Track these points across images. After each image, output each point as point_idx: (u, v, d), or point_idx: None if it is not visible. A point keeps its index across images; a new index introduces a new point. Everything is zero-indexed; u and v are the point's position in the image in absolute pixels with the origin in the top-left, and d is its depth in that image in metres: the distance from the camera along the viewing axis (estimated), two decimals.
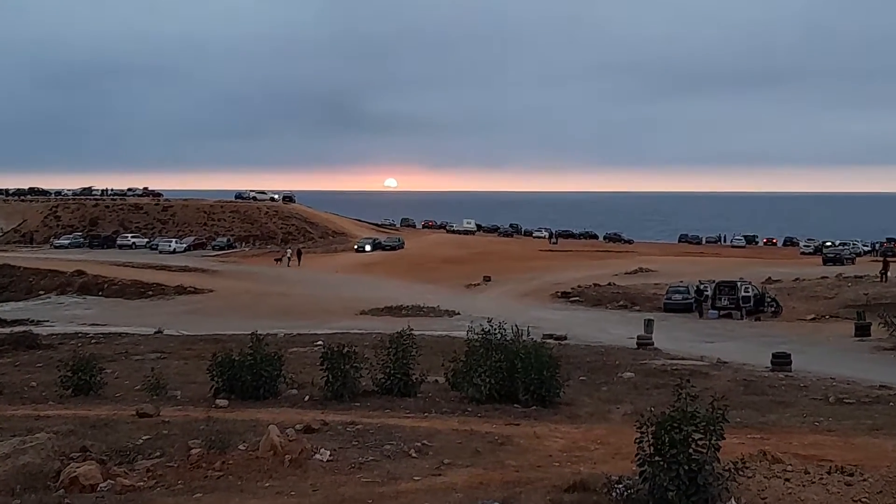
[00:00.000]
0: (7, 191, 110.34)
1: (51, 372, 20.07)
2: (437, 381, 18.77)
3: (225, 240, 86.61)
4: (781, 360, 24.73)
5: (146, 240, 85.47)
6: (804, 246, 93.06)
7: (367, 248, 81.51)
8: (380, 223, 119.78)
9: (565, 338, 31.30)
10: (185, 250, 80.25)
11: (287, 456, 11.11)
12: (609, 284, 52.24)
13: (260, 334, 18.01)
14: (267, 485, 10.37)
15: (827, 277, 50.75)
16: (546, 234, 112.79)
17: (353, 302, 46.46)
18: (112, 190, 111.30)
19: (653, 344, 29.93)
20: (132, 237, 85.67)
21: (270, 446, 11.26)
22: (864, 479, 10.01)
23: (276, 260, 72.04)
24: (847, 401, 18.70)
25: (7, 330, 33.52)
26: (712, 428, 8.76)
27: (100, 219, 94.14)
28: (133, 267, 62.86)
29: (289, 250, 73.24)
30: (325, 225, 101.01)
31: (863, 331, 33.33)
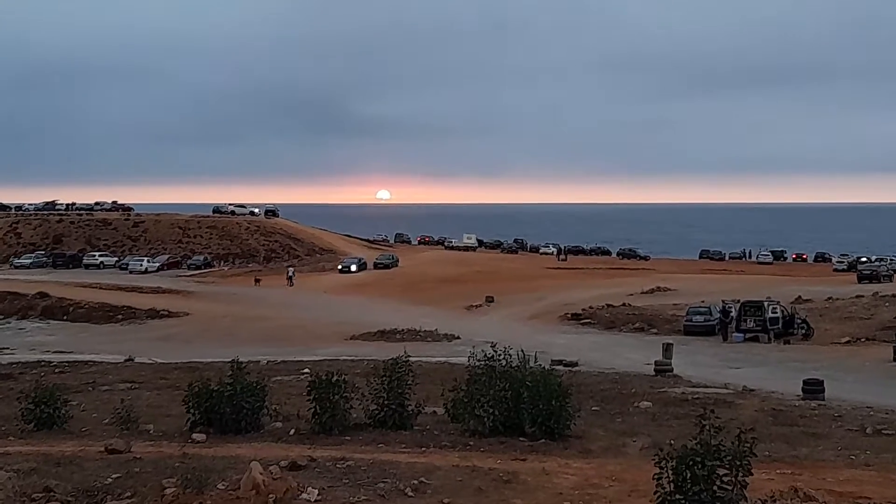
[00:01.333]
0: None
1: (11, 404, 19.99)
2: (435, 412, 18.74)
3: (202, 258, 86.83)
4: (813, 388, 24.71)
5: (115, 258, 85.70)
6: (837, 262, 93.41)
7: (353, 268, 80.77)
8: (372, 239, 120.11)
9: (576, 364, 31.30)
10: (158, 270, 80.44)
11: (271, 496, 11.08)
12: (623, 305, 52.31)
13: (241, 362, 17.98)
14: None
15: (862, 296, 50.79)
16: (554, 249, 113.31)
17: (342, 326, 46.47)
18: (78, 204, 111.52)
19: (672, 370, 29.91)
20: (100, 256, 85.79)
21: (252, 485, 11.22)
22: None
23: (256, 280, 72.21)
24: (886, 432, 18.69)
25: None
26: (739, 462, 8.76)
27: (64, 236, 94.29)
28: (101, 288, 62.89)
29: (291, 269, 73.65)
30: (311, 241, 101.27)
31: None
